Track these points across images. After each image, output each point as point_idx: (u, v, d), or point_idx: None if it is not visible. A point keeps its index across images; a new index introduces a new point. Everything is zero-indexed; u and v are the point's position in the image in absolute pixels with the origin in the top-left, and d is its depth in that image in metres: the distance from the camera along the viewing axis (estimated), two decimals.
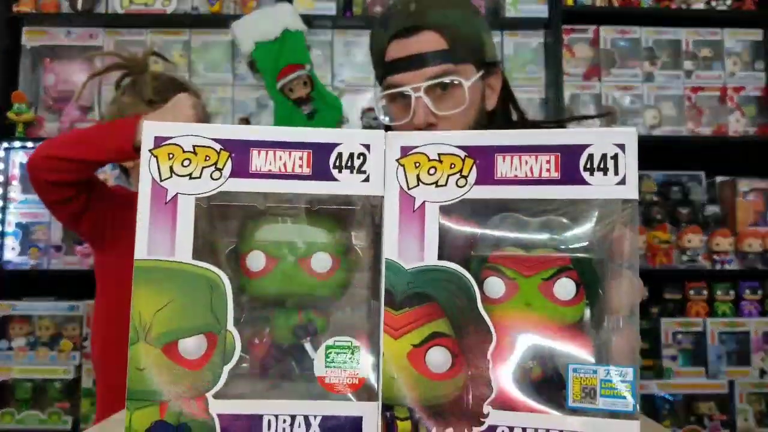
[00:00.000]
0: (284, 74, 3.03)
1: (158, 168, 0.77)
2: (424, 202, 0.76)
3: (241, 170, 0.77)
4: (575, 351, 0.74)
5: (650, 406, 3.14)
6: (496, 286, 0.75)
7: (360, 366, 0.75)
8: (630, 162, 0.72)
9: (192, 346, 0.74)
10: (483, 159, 0.75)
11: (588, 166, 0.73)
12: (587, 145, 0.73)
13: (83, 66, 3.31)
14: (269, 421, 0.73)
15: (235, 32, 3.06)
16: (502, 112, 1.64)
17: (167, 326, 0.75)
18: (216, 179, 0.77)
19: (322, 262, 0.80)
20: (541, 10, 3.29)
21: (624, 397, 0.70)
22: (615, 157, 0.72)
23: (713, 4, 3.38)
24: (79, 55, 3.33)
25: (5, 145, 3.23)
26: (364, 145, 0.78)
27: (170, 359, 0.74)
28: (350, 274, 0.81)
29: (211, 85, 3.22)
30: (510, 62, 3.31)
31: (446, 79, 1.46)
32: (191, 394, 0.74)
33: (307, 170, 0.77)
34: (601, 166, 0.73)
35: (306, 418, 0.74)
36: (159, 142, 0.77)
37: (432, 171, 0.76)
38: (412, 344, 0.74)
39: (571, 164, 0.73)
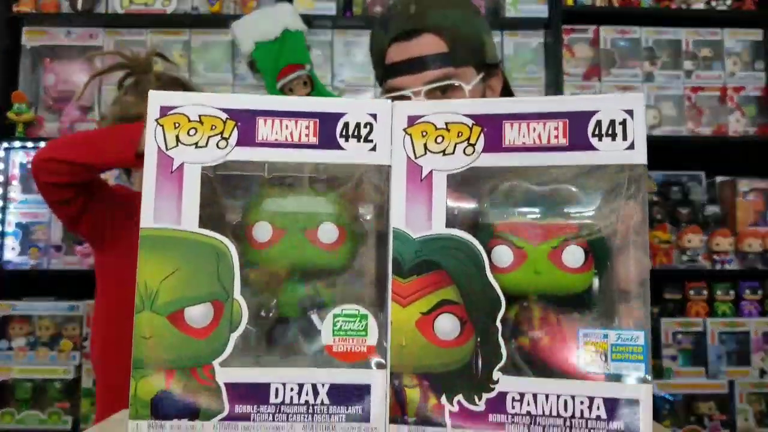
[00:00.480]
0: (284, 74, 3.02)
1: (164, 137, 0.77)
2: (431, 170, 0.76)
3: (247, 139, 0.77)
4: (585, 318, 0.75)
5: None
6: (504, 254, 0.76)
7: (368, 334, 0.75)
8: (638, 127, 0.73)
9: (198, 314, 0.74)
10: (491, 127, 0.76)
11: (596, 131, 0.74)
12: (595, 111, 0.74)
13: (83, 66, 3.31)
14: (276, 389, 0.74)
15: (235, 32, 3.06)
16: None
17: (173, 294, 0.75)
18: (222, 148, 0.77)
19: (328, 233, 0.80)
20: (541, 10, 3.30)
21: (635, 361, 0.70)
22: (623, 123, 0.73)
23: (713, 4, 3.38)
24: (79, 55, 3.33)
25: (5, 145, 3.23)
26: (370, 115, 0.78)
27: (176, 328, 0.74)
28: (357, 245, 0.81)
29: (211, 85, 3.22)
30: (510, 62, 3.31)
31: (447, 83, 1.45)
32: (198, 362, 0.74)
33: (313, 139, 0.78)
34: (610, 131, 0.74)
35: (314, 386, 0.74)
36: (165, 111, 0.78)
37: (439, 140, 0.77)
38: (420, 312, 0.75)
39: (579, 130, 0.74)
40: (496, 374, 0.73)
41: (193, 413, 0.73)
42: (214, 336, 0.74)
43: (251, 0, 3.28)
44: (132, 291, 1.82)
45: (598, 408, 0.71)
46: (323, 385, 0.74)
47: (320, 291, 0.80)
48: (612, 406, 0.70)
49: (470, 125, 0.76)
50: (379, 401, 0.74)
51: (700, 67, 3.39)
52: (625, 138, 0.73)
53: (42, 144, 3.14)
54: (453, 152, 0.76)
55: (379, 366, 0.75)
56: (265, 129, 0.77)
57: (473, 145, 0.76)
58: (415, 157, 0.77)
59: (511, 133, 0.76)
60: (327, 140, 0.78)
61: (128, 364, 1.89)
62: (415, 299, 0.74)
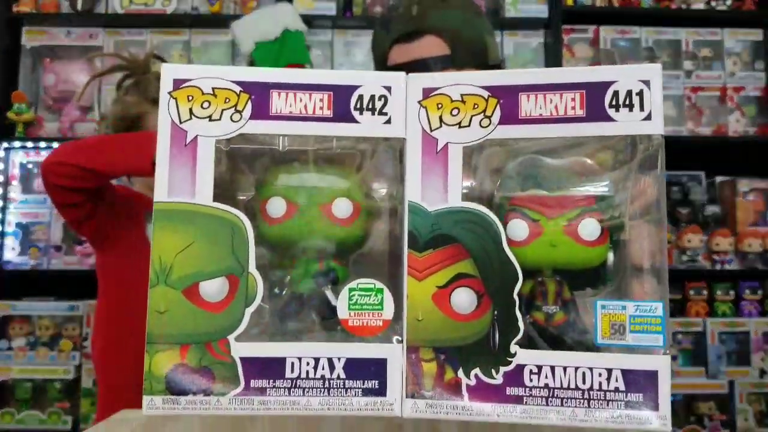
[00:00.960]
0: None
1: (177, 110, 0.76)
2: (447, 143, 0.75)
3: (261, 112, 0.76)
4: (601, 293, 0.75)
5: None
6: (519, 228, 0.75)
7: (384, 308, 0.74)
8: (655, 97, 0.72)
9: (214, 288, 0.73)
10: (507, 98, 0.75)
11: (613, 102, 0.72)
12: (612, 82, 0.73)
13: (83, 66, 3.32)
14: (292, 363, 0.73)
15: (235, 32, 3.06)
16: None
17: (188, 269, 0.74)
18: (236, 121, 0.76)
19: (343, 207, 0.79)
20: (541, 10, 3.31)
21: (654, 332, 0.70)
22: (640, 93, 0.72)
23: (713, 4, 3.39)
24: (79, 55, 3.34)
25: (5, 145, 3.23)
26: (385, 87, 0.77)
27: (191, 302, 0.73)
28: (371, 220, 0.80)
29: None
30: (510, 62, 3.32)
31: None
32: (213, 337, 0.73)
33: (327, 112, 0.76)
34: (627, 102, 0.72)
35: (330, 360, 0.73)
36: (178, 84, 0.76)
37: (455, 112, 0.75)
38: (436, 286, 0.73)
39: (596, 101, 0.73)
40: (514, 347, 0.72)
41: (208, 388, 0.73)
42: (230, 310, 0.73)
43: (251, 0, 3.28)
44: (133, 291, 1.82)
45: (617, 380, 0.70)
46: (339, 359, 0.73)
47: (334, 267, 0.80)
48: (630, 377, 0.70)
49: (486, 97, 0.75)
50: (395, 375, 0.73)
51: (700, 67, 3.40)
52: (642, 109, 0.72)
53: (42, 144, 3.16)
54: (469, 125, 0.75)
55: (396, 340, 0.74)
56: (279, 101, 0.76)
57: (489, 117, 0.75)
58: (431, 130, 0.76)
59: (528, 105, 0.74)
60: (341, 113, 0.76)
61: (129, 364, 1.88)
62: (431, 273, 0.73)
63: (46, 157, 1.72)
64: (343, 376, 0.73)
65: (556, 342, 0.74)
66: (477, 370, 0.72)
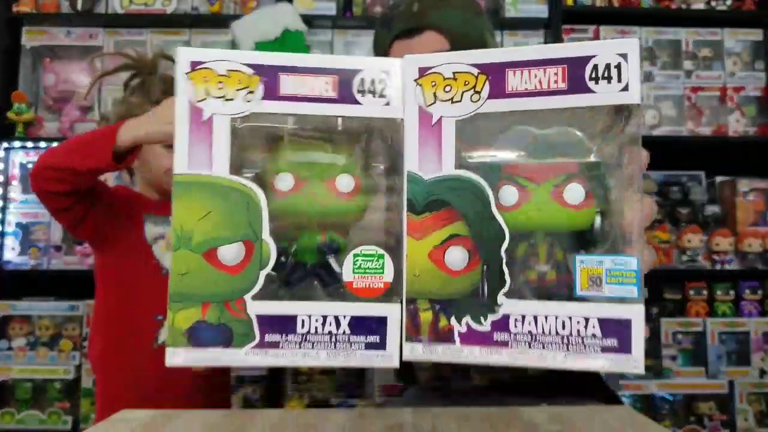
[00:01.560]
0: None
1: (194, 90, 0.83)
2: (441, 117, 0.84)
3: (271, 93, 0.84)
4: (593, 253, 0.81)
5: (650, 406, 3.15)
6: (510, 194, 0.83)
7: (384, 272, 0.83)
8: (632, 69, 0.79)
9: (231, 253, 0.82)
10: (495, 75, 0.84)
11: (593, 75, 0.80)
12: (592, 56, 0.81)
13: (83, 66, 3.33)
14: (302, 320, 0.82)
15: (235, 32, 3.07)
16: None
17: (208, 234, 0.82)
18: (248, 101, 0.83)
19: (346, 183, 0.87)
20: (541, 10, 3.31)
21: (628, 284, 0.77)
22: (618, 66, 0.79)
23: (713, 4, 3.41)
24: (79, 55, 3.35)
25: (5, 145, 3.24)
26: (384, 72, 0.86)
27: (211, 264, 0.82)
28: (370, 195, 0.88)
29: None
30: None
31: None
32: (231, 296, 0.81)
33: (333, 94, 0.84)
34: (605, 74, 0.80)
35: (336, 318, 0.83)
36: (194, 66, 0.84)
37: (448, 89, 0.85)
38: (432, 245, 0.83)
39: (577, 74, 0.81)
40: (501, 299, 0.81)
41: (226, 341, 0.82)
42: (246, 273, 0.82)
43: (251, 0, 3.28)
44: (132, 292, 1.81)
45: (594, 327, 0.78)
46: (344, 317, 0.83)
47: (335, 238, 0.88)
48: (606, 325, 0.78)
49: (476, 74, 0.84)
50: (394, 331, 0.83)
51: (700, 67, 3.40)
52: (620, 80, 0.79)
53: (42, 144, 3.17)
54: (460, 100, 0.84)
55: (395, 300, 0.83)
56: (288, 83, 0.84)
57: (479, 92, 0.84)
58: (426, 106, 0.85)
59: (514, 80, 0.83)
60: (345, 95, 0.85)
61: (128, 364, 1.87)
62: (427, 234, 0.83)
63: (34, 163, 1.70)
64: (347, 332, 0.83)
65: (545, 296, 0.82)
66: (468, 318, 0.82)
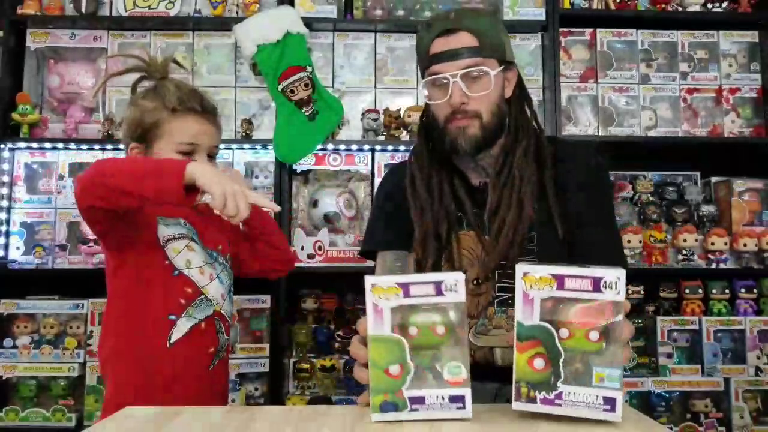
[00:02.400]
0: (286, 77, 3.06)
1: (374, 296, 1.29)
2: (533, 297, 1.28)
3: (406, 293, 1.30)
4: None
5: (646, 404, 3.18)
6: (563, 334, 1.26)
7: (462, 374, 1.28)
8: (621, 285, 1.23)
9: (395, 369, 1.29)
10: (559, 281, 1.26)
11: (604, 285, 1.23)
12: (603, 276, 1.22)
13: (87, 67, 3.36)
14: (426, 397, 1.30)
15: (238, 35, 3.09)
16: (516, 100, 2.01)
17: (383, 360, 1.29)
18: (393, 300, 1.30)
19: (441, 329, 1.29)
20: (539, 13, 3.36)
21: (616, 382, 1.23)
22: (616, 282, 1.22)
23: (709, 6, 3.43)
24: (84, 57, 3.39)
25: (10, 145, 3.28)
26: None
27: (385, 374, 1.29)
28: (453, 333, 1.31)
29: (214, 87, 3.27)
30: None
31: (476, 69, 1.83)
32: (396, 388, 1.29)
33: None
34: (610, 286, 1.23)
35: (440, 395, 1.30)
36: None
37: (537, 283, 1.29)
38: (528, 356, 1.27)
39: (596, 284, 1.23)
40: (558, 384, 1.25)
41: (395, 408, 1.28)
42: (402, 377, 1.28)
43: (253, 3, 3.31)
44: (145, 293, 1.83)
45: (598, 398, 1.23)
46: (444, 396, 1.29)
47: (438, 356, 1.28)
48: (605, 399, 1.23)
49: (550, 277, 1.26)
50: (468, 401, 1.27)
51: (696, 68, 3.44)
52: (617, 290, 1.23)
53: (46, 144, 3.19)
54: (542, 288, 1.26)
55: (468, 387, 1.28)
56: (412, 290, 1.29)
57: (552, 287, 1.25)
58: (527, 290, 1.26)
59: (570, 283, 1.25)
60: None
61: (140, 363, 1.88)
62: (525, 350, 1.27)
63: (83, 176, 1.71)
64: (446, 402, 1.28)
65: (578, 384, 1.26)
66: (543, 392, 1.26)
